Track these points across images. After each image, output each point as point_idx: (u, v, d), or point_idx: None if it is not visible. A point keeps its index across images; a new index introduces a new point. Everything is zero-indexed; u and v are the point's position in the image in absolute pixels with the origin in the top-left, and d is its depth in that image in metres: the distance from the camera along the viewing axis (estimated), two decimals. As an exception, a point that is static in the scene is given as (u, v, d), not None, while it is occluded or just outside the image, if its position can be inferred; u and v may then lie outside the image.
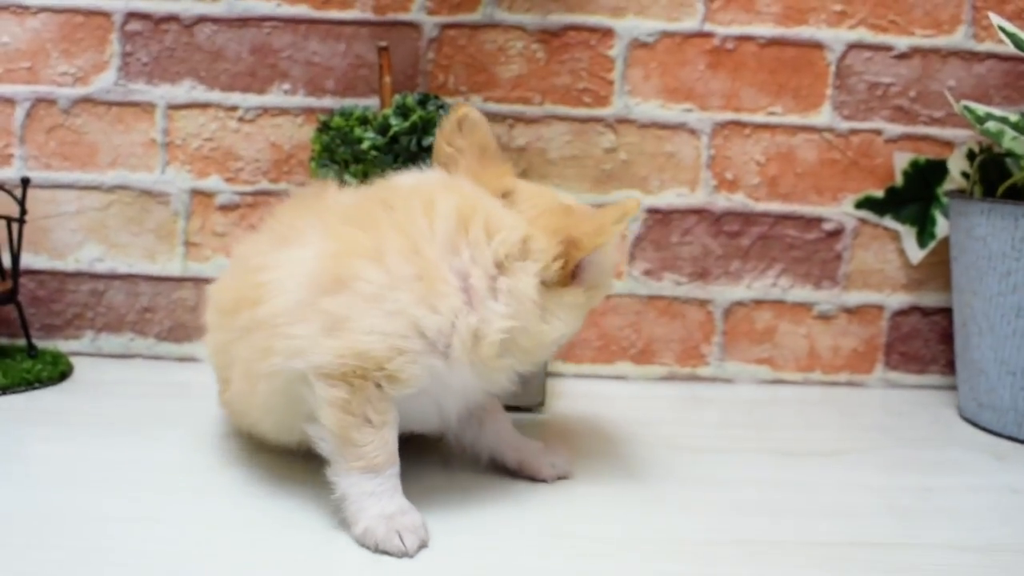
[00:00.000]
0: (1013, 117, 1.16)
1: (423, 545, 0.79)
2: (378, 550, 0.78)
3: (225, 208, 1.30)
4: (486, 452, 0.96)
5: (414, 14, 1.27)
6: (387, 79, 1.16)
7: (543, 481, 0.94)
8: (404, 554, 0.77)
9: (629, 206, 0.83)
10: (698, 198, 1.30)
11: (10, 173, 1.29)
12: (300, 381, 0.82)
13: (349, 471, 0.81)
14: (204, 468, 0.95)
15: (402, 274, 0.79)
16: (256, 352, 0.85)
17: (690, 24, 1.28)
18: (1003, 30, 1.10)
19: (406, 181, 0.90)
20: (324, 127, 1.15)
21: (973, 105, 1.18)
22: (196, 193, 1.30)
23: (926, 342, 1.35)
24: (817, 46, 1.29)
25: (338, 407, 0.80)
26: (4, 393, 1.14)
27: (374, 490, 0.81)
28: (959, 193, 1.23)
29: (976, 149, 1.25)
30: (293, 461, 0.95)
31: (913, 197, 1.30)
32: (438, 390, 0.83)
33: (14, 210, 1.22)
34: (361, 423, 0.80)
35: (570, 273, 0.85)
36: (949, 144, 1.31)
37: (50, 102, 1.28)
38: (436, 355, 0.80)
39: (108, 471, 0.93)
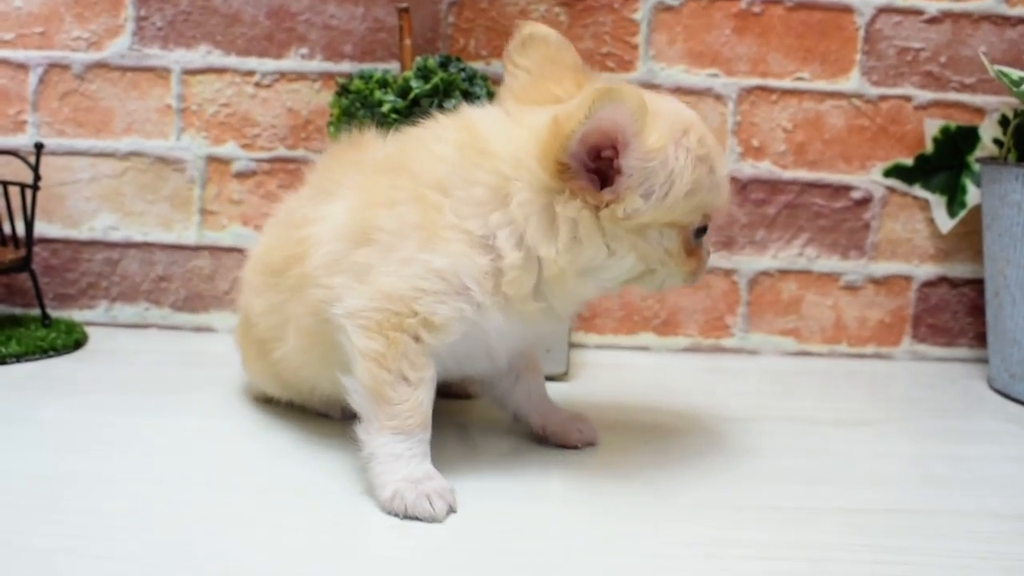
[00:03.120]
0: (1049, 81, 1.14)
1: (452, 510, 0.77)
2: (406, 515, 0.76)
3: (242, 175, 1.28)
4: (512, 409, 0.94)
5: (434, -24, 1.25)
6: (407, 41, 1.14)
7: (571, 447, 0.92)
8: (433, 519, 0.75)
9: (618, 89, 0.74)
10: (723, 165, 1.28)
11: (24, 140, 1.27)
12: (342, 332, 0.80)
13: (381, 430, 0.79)
14: (220, 435, 0.93)
15: (408, 222, 0.78)
16: (308, 307, 0.84)
17: (716, -13, 1.25)
18: (1040, -10, 1.07)
19: (445, 120, 0.86)
20: (343, 91, 1.13)
21: (1008, 70, 1.15)
22: (212, 160, 1.28)
23: (954, 314, 1.32)
24: (846, 10, 1.26)
25: (374, 361, 0.78)
26: (19, 361, 1.13)
27: (403, 453, 0.78)
28: (992, 160, 1.20)
29: (1010, 115, 1.22)
30: (313, 429, 0.94)
31: (943, 165, 1.27)
32: (479, 335, 0.81)
33: (28, 177, 1.20)
34: (396, 380, 0.78)
35: (591, 182, 0.77)
36: (980, 111, 1.28)
37: (63, 67, 1.26)
38: (461, 298, 0.78)
39: (122, 437, 0.91)
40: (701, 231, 0.83)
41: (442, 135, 0.83)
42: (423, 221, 0.78)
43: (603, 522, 0.77)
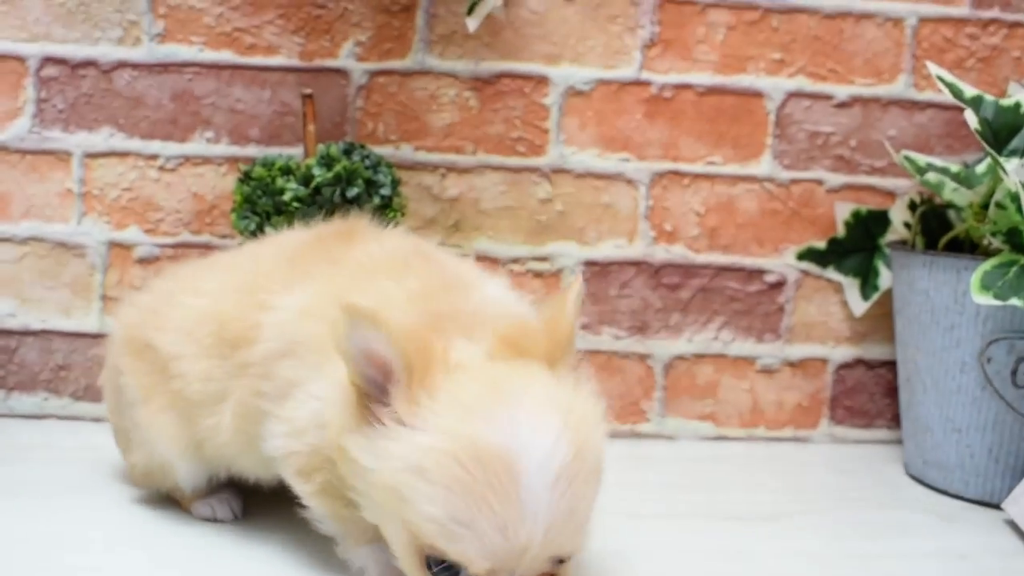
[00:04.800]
0: (954, 168, 1.14)
1: None
2: None
3: (144, 261, 1.24)
4: None
5: (342, 60, 1.23)
6: (311, 127, 1.12)
7: None
8: None
9: None
10: (636, 249, 1.26)
11: (-84, 224, 1.22)
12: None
13: (359, 545, 0.78)
14: (115, 542, 0.89)
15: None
16: (249, 393, 0.81)
17: (627, 72, 1.25)
18: (941, 80, 1.08)
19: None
20: (246, 177, 1.10)
21: (913, 155, 1.16)
22: (114, 245, 1.24)
23: (871, 396, 1.32)
24: (756, 95, 1.26)
25: (318, 496, 0.78)
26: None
27: (391, 556, 0.75)
28: (901, 244, 1.20)
29: (917, 200, 1.23)
30: (213, 532, 0.90)
31: (855, 248, 1.28)
32: None
33: (-83, 264, 1.16)
34: (347, 502, 0.75)
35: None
36: (891, 194, 1.29)
37: (-40, 150, 1.22)
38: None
39: (14, 545, 0.86)
40: (446, 570, 0.66)
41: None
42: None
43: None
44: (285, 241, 0.92)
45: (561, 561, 0.68)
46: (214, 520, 0.94)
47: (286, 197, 1.06)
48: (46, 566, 0.83)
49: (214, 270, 0.94)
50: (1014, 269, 1.00)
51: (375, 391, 0.69)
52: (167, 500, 0.97)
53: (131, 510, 0.96)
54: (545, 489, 0.64)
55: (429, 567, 0.67)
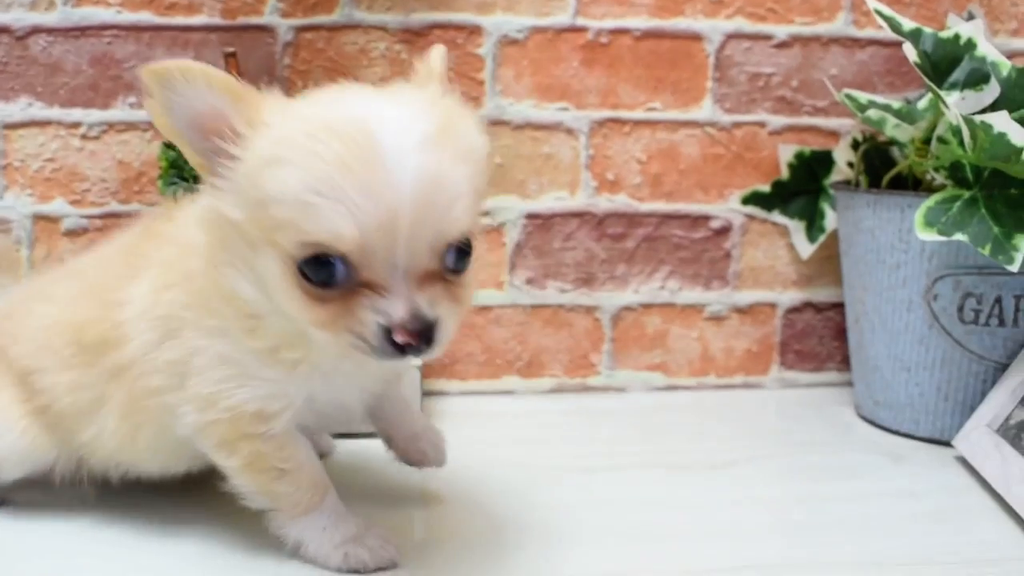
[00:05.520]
0: (896, 104, 1.13)
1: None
2: (368, 570, 0.75)
3: (72, 233, 1.20)
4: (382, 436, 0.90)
5: (267, 17, 1.19)
6: (236, 88, 1.07)
7: (410, 464, 0.90)
8: (394, 562, 0.76)
9: None
10: (579, 201, 1.24)
11: None
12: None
13: (294, 517, 0.76)
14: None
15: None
16: (133, 395, 0.78)
17: (562, 18, 1.22)
18: (880, 14, 1.06)
19: None
20: (170, 143, 1.06)
21: (855, 93, 1.14)
22: (39, 218, 1.19)
23: (821, 339, 1.31)
24: (695, 37, 1.24)
25: (243, 471, 0.76)
26: None
27: (327, 523, 0.77)
28: (845, 184, 1.19)
29: (860, 139, 1.21)
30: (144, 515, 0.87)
31: (800, 190, 1.26)
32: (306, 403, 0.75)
33: None
34: (276, 475, 0.75)
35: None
36: (834, 134, 1.27)
37: None
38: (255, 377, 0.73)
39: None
40: (321, 267, 0.63)
41: None
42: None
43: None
44: (120, 238, 0.88)
45: (455, 266, 0.65)
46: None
47: (212, 160, 1.02)
48: None
49: (63, 277, 0.90)
50: (957, 204, 0.99)
51: (215, 158, 0.66)
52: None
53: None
54: (409, 151, 0.61)
55: (305, 278, 0.64)
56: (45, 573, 0.77)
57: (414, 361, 0.67)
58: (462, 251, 0.66)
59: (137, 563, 0.78)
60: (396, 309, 0.62)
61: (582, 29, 1.22)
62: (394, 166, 0.60)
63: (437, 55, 0.75)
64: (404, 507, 0.89)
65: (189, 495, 0.90)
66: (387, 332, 0.62)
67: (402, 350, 0.63)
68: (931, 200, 1.00)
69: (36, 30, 1.17)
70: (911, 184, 1.12)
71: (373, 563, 0.75)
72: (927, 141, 1.07)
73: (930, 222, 0.98)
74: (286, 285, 0.65)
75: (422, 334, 0.63)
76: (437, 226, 0.62)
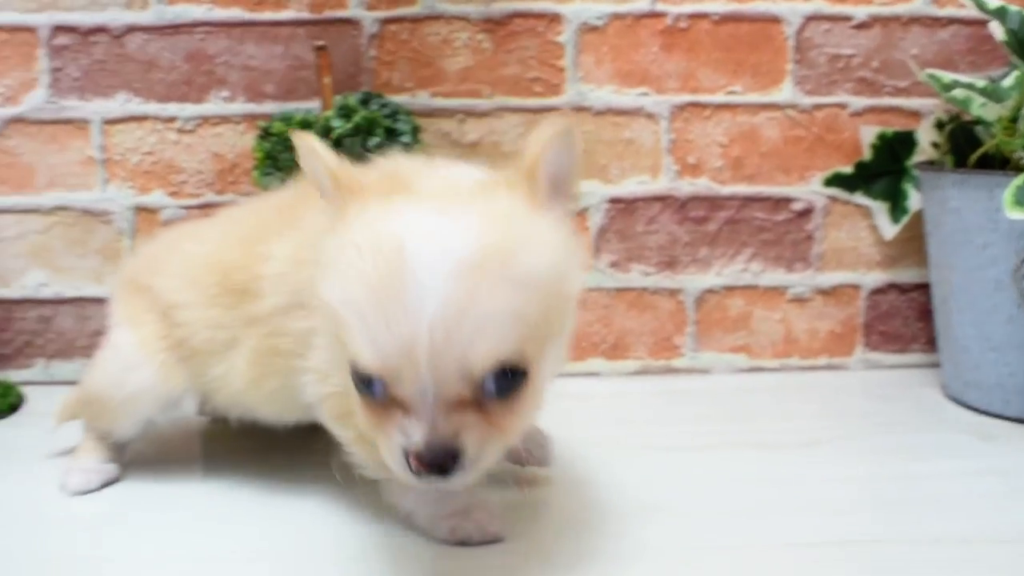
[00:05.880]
0: (980, 83, 1.12)
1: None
2: (472, 543, 0.77)
3: (171, 224, 1.24)
4: None
5: (352, 10, 1.22)
6: (327, 80, 1.11)
7: (517, 464, 0.90)
8: (499, 538, 0.77)
9: None
10: (661, 184, 1.25)
11: (-57, 201, 1.23)
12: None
13: (405, 490, 0.78)
14: (164, 504, 0.89)
15: None
16: (264, 347, 0.82)
17: (641, 4, 1.23)
18: (965, -8, 1.05)
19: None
20: (265, 134, 1.10)
21: (938, 73, 1.13)
22: (140, 210, 1.24)
23: (905, 320, 1.30)
24: (774, 20, 1.24)
25: (357, 443, 0.78)
26: (-50, 430, 1.09)
27: (436, 497, 0.77)
28: (929, 165, 1.18)
29: (944, 118, 1.20)
30: (263, 478, 0.90)
31: (883, 171, 1.26)
32: None
33: (-53, 240, 1.17)
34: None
35: None
36: (916, 114, 1.26)
37: (-20, 124, 1.23)
38: None
39: (62, 509, 0.88)
40: (362, 379, 0.64)
41: None
42: None
43: (547, 568, 0.74)
44: (282, 195, 0.93)
45: (497, 393, 0.62)
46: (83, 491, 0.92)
47: (306, 151, 1.05)
48: (106, 522, 0.85)
49: (218, 221, 0.96)
50: (1047, 182, 0.98)
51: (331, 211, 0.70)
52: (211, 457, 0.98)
53: (179, 464, 0.98)
54: (437, 277, 0.60)
55: (354, 381, 0.65)
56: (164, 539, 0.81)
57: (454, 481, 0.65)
58: (508, 376, 0.63)
59: (246, 532, 0.82)
60: (415, 434, 0.62)
61: (661, 15, 1.23)
62: (418, 293, 0.60)
63: (537, 141, 0.68)
64: (502, 486, 0.91)
65: (303, 461, 0.94)
66: (406, 455, 0.63)
67: (419, 475, 0.63)
68: (1020, 179, 0.99)
69: (132, 29, 1.22)
70: (998, 163, 1.11)
71: (478, 537, 0.77)
72: (1014, 120, 1.06)
73: (1019, 201, 0.98)
74: (345, 376, 0.67)
75: (435, 464, 0.62)
76: (463, 356, 0.60)
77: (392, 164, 0.77)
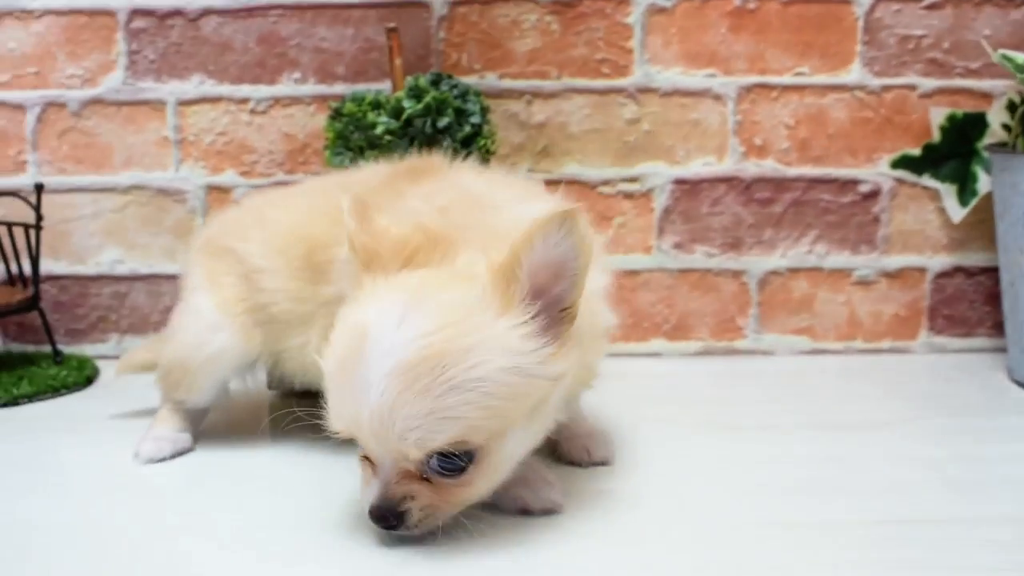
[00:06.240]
0: (1055, 63, 1.11)
1: None
2: (533, 512, 0.80)
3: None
4: None
5: (423, -7, 1.24)
6: (398, 61, 1.13)
7: (577, 465, 0.91)
8: (558, 508, 0.81)
9: None
10: (726, 166, 1.26)
11: (25, 179, 1.27)
12: None
13: None
14: (241, 469, 0.92)
15: None
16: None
17: (709, -15, 1.23)
18: (1040, -28, 1.04)
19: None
20: (336, 114, 1.12)
21: (1012, 54, 1.12)
22: (212, 189, 1.27)
23: (971, 304, 1.29)
24: (843, 1, 1.23)
25: None
26: (30, 401, 1.13)
27: None
28: (1000, 147, 1.17)
29: (1016, 100, 1.19)
30: (329, 450, 0.93)
31: (952, 153, 1.25)
32: None
33: (31, 217, 1.20)
34: None
35: None
36: (987, 96, 1.25)
37: (60, 105, 1.26)
38: None
39: (140, 478, 0.91)
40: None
41: None
42: None
43: (606, 545, 0.75)
44: (368, 173, 0.95)
45: (441, 472, 0.70)
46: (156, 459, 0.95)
47: (378, 131, 1.07)
48: (177, 494, 0.88)
49: (304, 191, 0.98)
50: (1122, 164, 0.97)
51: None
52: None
53: (252, 439, 1.00)
54: (377, 375, 0.67)
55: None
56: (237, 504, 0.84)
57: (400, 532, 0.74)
58: (454, 457, 0.69)
59: (313, 502, 0.84)
60: (370, 493, 0.72)
61: (730, -4, 1.23)
62: (363, 383, 0.68)
63: (521, 236, 0.69)
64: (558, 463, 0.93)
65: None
66: (367, 504, 0.72)
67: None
68: (1095, 160, 0.98)
69: (207, 12, 1.24)
70: (1072, 145, 1.10)
71: (538, 506, 0.79)
72: (1090, 100, 1.05)
73: (1094, 182, 0.97)
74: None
75: (382, 519, 0.71)
76: (398, 445, 0.68)
77: (446, 209, 0.79)
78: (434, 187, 0.85)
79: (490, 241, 0.73)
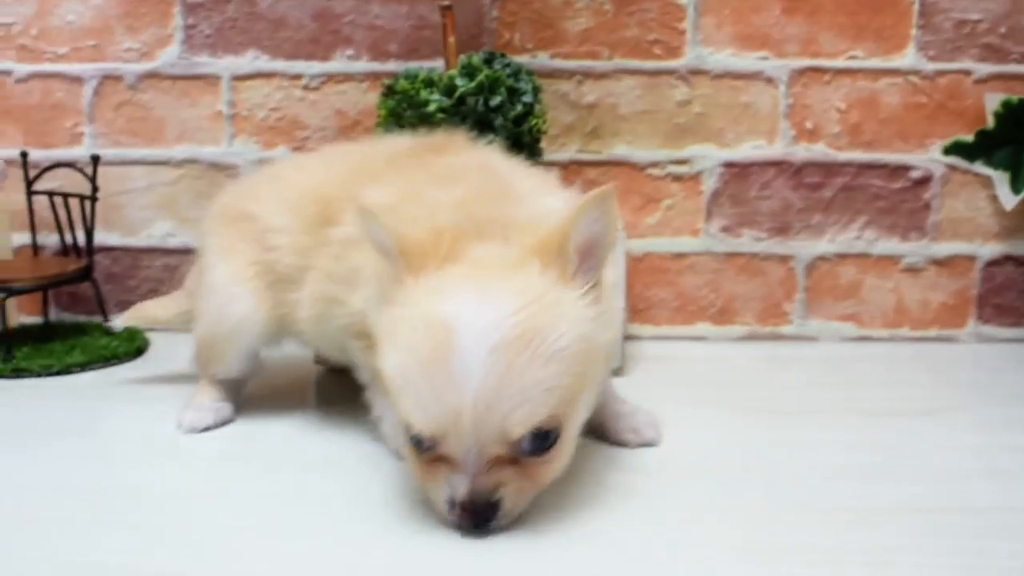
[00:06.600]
0: (1115, 51, 1.09)
1: None
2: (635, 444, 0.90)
3: (293, 178, 1.28)
4: None
5: (476, -29, 1.24)
6: (451, 39, 1.13)
7: (624, 446, 0.92)
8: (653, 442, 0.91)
9: None
10: (776, 150, 1.25)
11: (81, 151, 1.29)
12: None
13: (384, 396, 0.81)
14: (284, 441, 0.94)
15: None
16: (324, 271, 0.89)
17: (764, -32, 1.22)
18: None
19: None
20: (389, 91, 1.13)
21: (1071, 40, 1.11)
22: (264, 164, 1.29)
23: (1021, 293, 1.28)
24: (900, -15, 1.22)
25: (365, 350, 0.83)
26: (83, 370, 1.15)
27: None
28: (1056, 134, 1.16)
29: (1074, 87, 1.18)
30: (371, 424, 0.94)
31: (1006, 140, 1.23)
32: None
33: (86, 188, 1.23)
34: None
35: None
36: (1044, 83, 1.24)
37: (116, 79, 1.28)
38: None
39: (185, 447, 0.93)
40: (412, 435, 0.72)
41: None
42: None
43: (649, 527, 0.76)
44: (391, 143, 0.97)
45: (532, 451, 0.70)
46: (197, 428, 0.96)
47: (431, 108, 1.08)
48: (227, 461, 0.90)
49: (323, 155, 1.01)
50: None
51: (389, 276, 0.75)
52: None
53: (301, 407, 1.02)
54: (478, 357, 0.67)
55: (410, 440, 0.73)
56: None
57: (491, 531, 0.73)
58: (543, 436, 0.71)
59: (354, 475, 0.85)
60: (459, 487, 0.70)
61: (784, -22, 1.23)
62: (462, 368, 0.67)
63: (568, 216, 0.73)
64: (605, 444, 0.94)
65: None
66: (451, 505, 0.71)
67: (460, 524, 0.71)
68: None
69: (263, -12, 1.26)
70: None
71: (636, 440, 0.91)
72: None
73: None
74: (400, 432, 0.75)
75: (478, 514, 0.70)
76: (502, 424, 0.68)
77: (461, 206, 0.79)
78: (457, 161, 0.87)
79: (511, 233, 0.75)
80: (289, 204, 0.94)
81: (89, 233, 1.23)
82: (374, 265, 0.79)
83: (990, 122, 1.23)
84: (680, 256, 1.27)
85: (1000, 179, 1.25)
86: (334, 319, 0.88)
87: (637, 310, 1.28)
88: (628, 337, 1.27)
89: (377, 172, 0.89)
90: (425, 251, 0.73)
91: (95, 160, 1.23)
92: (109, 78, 1.28)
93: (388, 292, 0.74)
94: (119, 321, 1.13)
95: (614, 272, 0.88)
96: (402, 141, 0.97)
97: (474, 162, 0.88)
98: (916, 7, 1.23)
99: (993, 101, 1.23)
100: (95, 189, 1.22)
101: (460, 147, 0.93)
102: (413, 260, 0.73)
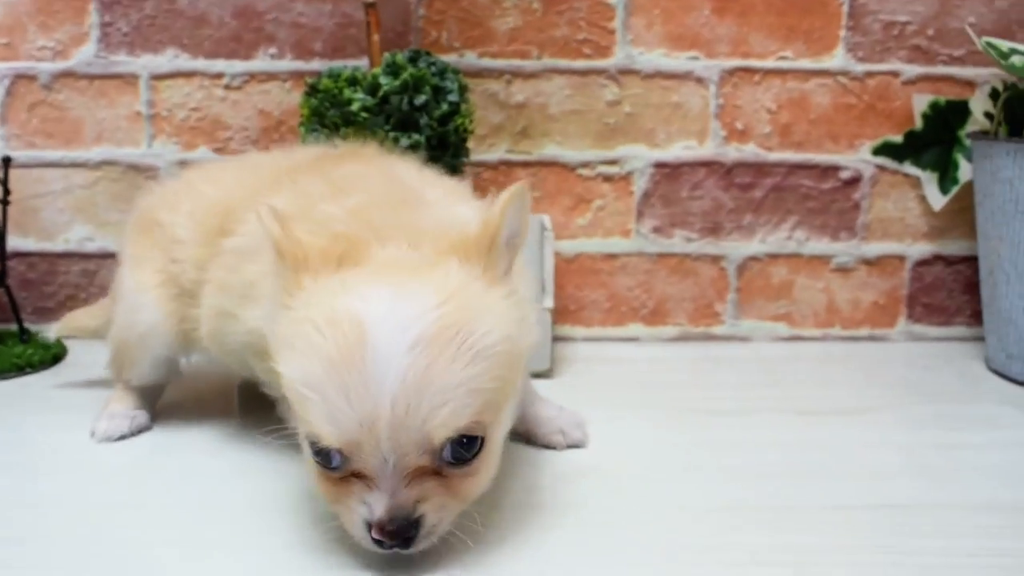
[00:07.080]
0: (1038, 51, 1.10)
1: None
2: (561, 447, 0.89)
3: (216, 180, 1.25)
4: None
5: (402, -32, 1.22)
6: (375, 37, 1.11)
7: (552, 449, 0.90)
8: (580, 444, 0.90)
9: None
10: (707, 150, 1.24)
11: (-7, 153, 1.24)
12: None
13: None
14: (200, 450, 0.91)
15: None
16: (217, 283, 0.84)
17: (693, -33, 1.22)
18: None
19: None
20: (312, 90, 1.10)
21: (996, 41, 1.11)
22: (184, 165, 1.25)
23: (950, 293, 1.29)
24: (828, -15, 1.23)
25: (270, 372, 0.74)
26: (-4, 379, 1.11)
27: None
28: (983, 134, 1.17)
29: (1000, 87, 1.19)
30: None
31: (934, 141, 1.24)
32: None
33: (-2, 191, 1.18)
34: None
35: None
36: (971, 84, 1.24)
37: (30, 78, 1.24)
38: None
39: (99, 457, 0.89)
40: (320, 452, 0.65)
41: None
42: None
43: (578, 530, 0.74)
44: (302, 152, 0.94)
45: (454, 460, 0.65)
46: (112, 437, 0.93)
47: (354, 107, 1.05)
48: (143, 472, 0.86)
49: (236, 166, 0.97)
50: (1104, 152, 0.97)
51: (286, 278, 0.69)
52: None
53: (216, 417, 0.99)
54: (396, 354, 0.61)
55: (312, 454, 0.66)
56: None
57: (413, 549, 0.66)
58: (466, 444, 0.65)
59: (275, 484, 0.83)
60: (377, 507, 0.63)
61: (713, -23, 1.22)
62: (377, 369, 0.61)
63: (494, 212, 0.69)
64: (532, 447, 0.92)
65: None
66: (368, 526, 0.64)
67: (381, 544, 0.64)
68: (1077, 147, 0.98)
69: (182, -16, 1.22)
70: (1053, 133, 1.09)
71: (563, 442, 0.90)
72: (1072, 88, 1.05)
73: (1075, 170, 0.96)
74: (304, 447, 0.68)
75: (398, 533, 0.63)
76: (423, 428, 0.62)
77: (357, 215, 0.75)
78: (355, 170, 0.83)
79: (418, 239, 0.71)
80: (193, 216, 0.91)
81: (1, 239, 1.18)
82: (271, 279, 0.73)
83: (918, 123, 1.24)
84: (611, 257, 1.26)
85: (928, 179, 1.25)
86: (231, 335, 0.83)
87: (568, 311, 1.27)
88: (559, 339, 1.25)
89: (277, 184, 0.85)
90: (323, 251, 0.68)
91: (7, 162, 1.18)
92: (22, 77, 1.23)
93: (284, 296, 0.68)
94: (52, 332, 1.10)
95: (539, 272, 0.85)
96: (313, 150, 0.94)
97: (374, 170, 0.84)
98: (845, 9, 1.23)
99: (921, 102, 1.24)
100: (7, 193, 1.18)
101: (367, 156, 0.89)
102: (312, 260, 0.67)
